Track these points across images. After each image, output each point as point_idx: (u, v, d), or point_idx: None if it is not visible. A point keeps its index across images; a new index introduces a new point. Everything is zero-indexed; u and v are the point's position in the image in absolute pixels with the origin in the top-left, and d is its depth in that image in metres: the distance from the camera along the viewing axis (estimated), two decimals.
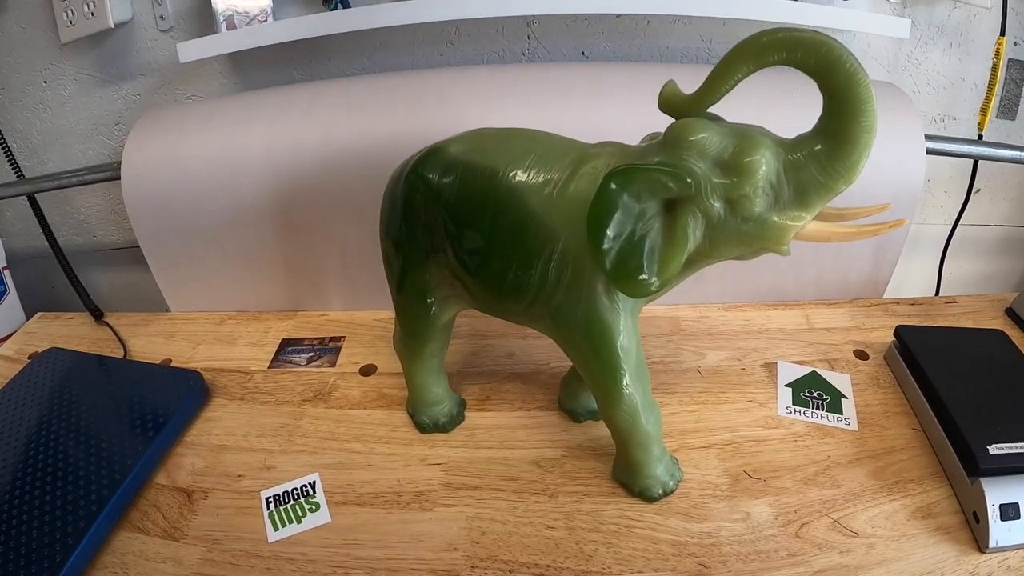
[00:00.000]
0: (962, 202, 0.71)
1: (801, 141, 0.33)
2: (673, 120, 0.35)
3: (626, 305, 0.38)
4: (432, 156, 0.41)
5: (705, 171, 0.32)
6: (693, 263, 0.35)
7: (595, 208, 0.33)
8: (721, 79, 0.31)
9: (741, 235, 0.34)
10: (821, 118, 0.32)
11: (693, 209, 0.33)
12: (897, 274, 0.81)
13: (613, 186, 0.32)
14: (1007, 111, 0.74)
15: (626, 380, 0.39)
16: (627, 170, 0.32)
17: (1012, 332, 0.60)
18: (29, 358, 0.60)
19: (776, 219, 0.33)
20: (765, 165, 0.32)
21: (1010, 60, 0.72)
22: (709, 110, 0.34)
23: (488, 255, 0.37)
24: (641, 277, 0.34)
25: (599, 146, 0.38)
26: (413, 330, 0.46)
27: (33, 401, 0.53)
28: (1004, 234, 0.82)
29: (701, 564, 0.40)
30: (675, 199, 0.33)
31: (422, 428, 0.50)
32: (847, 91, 0.30)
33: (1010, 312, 0.64)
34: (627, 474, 0.44)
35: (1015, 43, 0.72)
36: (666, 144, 0.34)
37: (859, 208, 0.37)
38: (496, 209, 0.38)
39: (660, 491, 0.44)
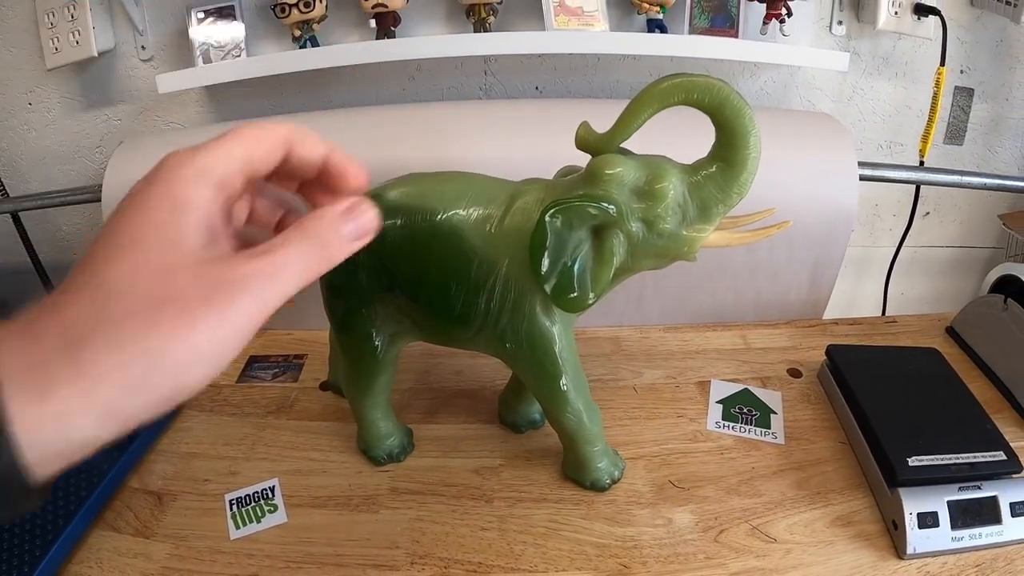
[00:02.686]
0: (906, 225, 0.79)
1: (700, 165, 0.40)
2: (590, 157, 0.42)
3: (562, 319, 0.45)
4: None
5: (625, 199, 0.40)
6: (617, 277, 0.43)
7: (535, 240, 0.40)
8: (631, 119, 0.38)
9: (658, 249, 0.41)
10: (714, 145, 0.39)
11: (617, 232, 0.40)
12: (848, 296, 0.89)
13: (549, 219, 0.39)
14: (954, 137, 0.82)
15: (568, 385, 0.46)
16: (560, 204, 0.40)
17: (950, 350, 0.65)
18: None
19: (685, 233, 0.41)
20: (673, 189, 0.39)
21: (956, 87, 0.80)
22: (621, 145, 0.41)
23: (436, 291, 0.43)
24: (578, 295, 0.41)
25: (526, 183, 0.45)
26: (362, 368, 0.50)
27: None
28: (953, 255, 0.89)
29: (622, 565, 0.46)
30: (601, 225, 0.40)
31: (378, 462, 0.54)
32: (734, 123, 0.37)
33: (950, 331, 0.68)
34: (577, 471, 0.51)
35: (962, 71, 0.79)
36: (588, 178, 0.41)
37: (749, 215, 0.44)
38: (441, 248, 0.43)
39: (609, 480, 0.51)
